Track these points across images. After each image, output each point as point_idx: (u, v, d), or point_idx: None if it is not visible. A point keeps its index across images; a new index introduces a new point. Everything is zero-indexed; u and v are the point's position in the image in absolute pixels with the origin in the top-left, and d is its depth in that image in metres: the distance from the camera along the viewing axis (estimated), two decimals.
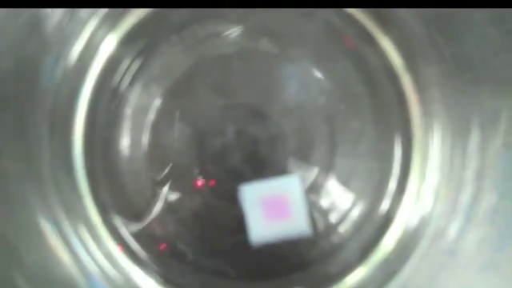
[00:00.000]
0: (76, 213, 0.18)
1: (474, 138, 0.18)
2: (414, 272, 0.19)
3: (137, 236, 0.19)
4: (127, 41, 0.20)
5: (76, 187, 0.19)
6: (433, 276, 0.18)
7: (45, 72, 0.18)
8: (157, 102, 0.20)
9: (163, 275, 0.19)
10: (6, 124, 0.16)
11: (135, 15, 0.19)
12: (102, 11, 0.18)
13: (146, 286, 0.19)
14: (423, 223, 0.19)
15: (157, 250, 0.19)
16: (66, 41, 0.18)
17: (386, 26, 0.20)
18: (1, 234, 0.15)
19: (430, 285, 0.18)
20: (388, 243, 0.20)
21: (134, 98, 0.20)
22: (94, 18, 0.18)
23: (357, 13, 0.20)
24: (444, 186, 0.19)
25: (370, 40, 0.20)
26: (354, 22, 0.20)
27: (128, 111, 0.20)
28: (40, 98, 0.17)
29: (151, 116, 0.20)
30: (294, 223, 0.20)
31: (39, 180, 0.17)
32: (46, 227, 0.17)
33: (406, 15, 0.19)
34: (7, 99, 0.17)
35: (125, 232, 0.19)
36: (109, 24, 0.19)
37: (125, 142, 0.20)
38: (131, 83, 0.20)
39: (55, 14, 0.17)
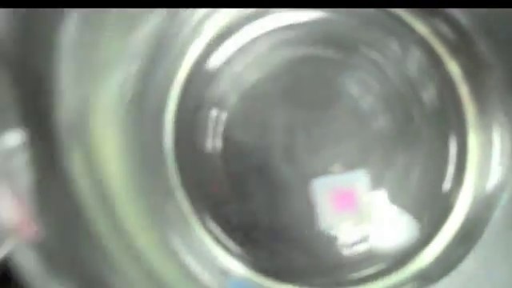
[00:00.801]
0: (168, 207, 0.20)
1: None
2: (473, 263, 0.20)
3: (220, 224, 0.21)
4: (207, 51, 0.22)
5: (168, 181, 0.21)
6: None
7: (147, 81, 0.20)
8: (232, 107, 0.22)
9: (245, 260, 0.21)
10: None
11: (217, 25, 0.22)
12: (193, 21, 0.21)
13: (236, 269, 0.21)
14: (483, 219, 0.21)
15: (237, 238, 0.21)
16: (160, 49, 0.20)
17: (447, 40, 0.21)
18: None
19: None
20: (447, 234, 0.21)
21: (212, 102, 0.22)
22: (185, 27, 0.21)
23: (417, 23, 0.22)
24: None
25: (428, 49, 0.22)
26: (410, 30, 0.22)
27: (207, 115, 0.22)
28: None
29: (227, 119, 0.22)
30: (360, 215, 0.22)
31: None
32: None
33: (466, 23, 0.20)
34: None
35: (211, 221, 0.21)
36: (196, 32, 0.21)
37: (206, 143, 0.22)
38: (210, 89, 0.22)
39: (151, 23, 0.20)
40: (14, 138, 0.11)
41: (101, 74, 0.17)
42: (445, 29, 0.21)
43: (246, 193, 0.22)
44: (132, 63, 0.19)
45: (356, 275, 0.21)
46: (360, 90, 0.22)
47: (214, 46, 0.22)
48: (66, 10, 0.14)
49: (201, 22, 0.21)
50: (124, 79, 0.18)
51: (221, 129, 0.22)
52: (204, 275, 0.20)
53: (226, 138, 0.22)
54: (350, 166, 0.22)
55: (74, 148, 0.13)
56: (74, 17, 0.14)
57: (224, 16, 0.21)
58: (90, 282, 0.11)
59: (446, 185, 0.22)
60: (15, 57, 0.12)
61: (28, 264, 0.10)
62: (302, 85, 0.22)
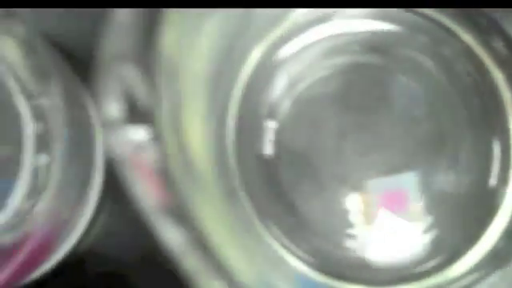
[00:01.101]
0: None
1: None
2: None
3: (278, 225, 0.22)
4: (265, 57, 0.23)
5: (232, 182, 0.21)
6: None
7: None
8: (285, 112, 0.23)
9: (304, 259, 0.22)
10: None
11: (274, 33, 0.23)
12: (253, 28, 0.22)
13: (299, 268, 0.22)
14: None
15: (295, 239, 0.22)
16: (225, 53, 0.21)
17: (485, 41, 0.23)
18: None
19: None
20: (494, 233, 0.22)
21: (267, 108, 0.23)
22: (245, 33, 0.22)
23: (465, 35, 0.23)
24: None
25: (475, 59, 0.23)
26: (458, 40, 0.23)
27: (262, 120, 0.23)
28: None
29: (281, 123, 0.23)
30: (409, 216, 0.22)
31: None
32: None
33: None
34: None
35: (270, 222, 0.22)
36: (256, 39, 0.22)
37: (261, 148, 0.23)
38: (266, 93, 0.23)
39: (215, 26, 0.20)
40: (144, 133, 0.12)
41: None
42: (498, 44, 0.22)
43: (300, 195, 0.23)
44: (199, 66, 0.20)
45: (417, 270, 0.22)
46: (407, 95, 0.23)
47: (271, 53, 0.23)
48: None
49: (260, 29, 0.22)
50: (196, 84, 0.19)
51: (275, 134, 0.23)
52: (270, 274, 0.20)
53: (280, 143, 0.23)
54: (399, 169, 0.23)
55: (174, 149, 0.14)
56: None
57: (281, 24, 0.22)
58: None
59: (492, 184, 0.23)
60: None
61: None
62: (351, 90, 0.23)
